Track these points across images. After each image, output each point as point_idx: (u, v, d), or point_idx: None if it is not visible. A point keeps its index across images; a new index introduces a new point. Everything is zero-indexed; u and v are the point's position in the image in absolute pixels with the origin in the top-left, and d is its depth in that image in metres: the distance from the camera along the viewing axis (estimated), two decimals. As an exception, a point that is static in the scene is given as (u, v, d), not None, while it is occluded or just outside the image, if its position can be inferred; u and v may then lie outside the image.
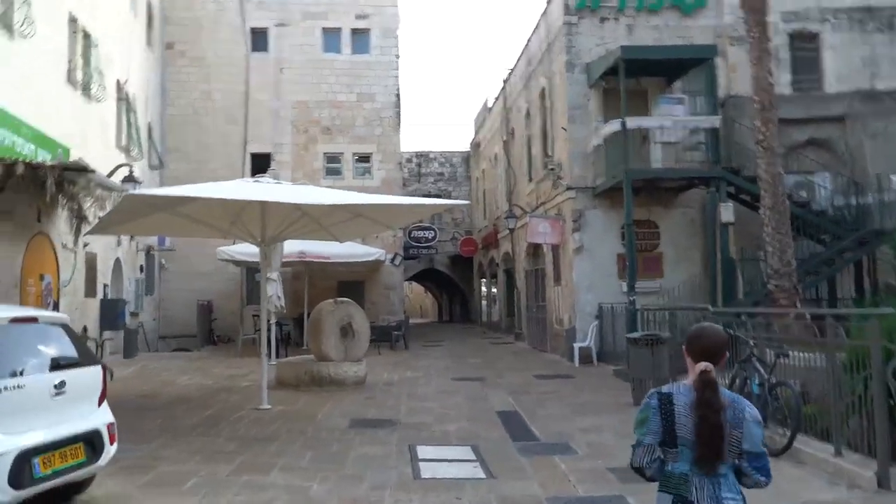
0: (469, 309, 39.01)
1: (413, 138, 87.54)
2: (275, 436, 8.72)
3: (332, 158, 24.15)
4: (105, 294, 15.68)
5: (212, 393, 12.22)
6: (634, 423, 3.07)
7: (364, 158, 24.34)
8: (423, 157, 39.34)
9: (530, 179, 21.30)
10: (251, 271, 23.49)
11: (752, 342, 8.83)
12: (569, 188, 16.97)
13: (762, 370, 8.37)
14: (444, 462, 7.70)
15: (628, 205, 14.77)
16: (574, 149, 17.01)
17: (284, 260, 18.93)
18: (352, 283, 23.65)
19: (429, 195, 38.11)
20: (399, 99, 24.62)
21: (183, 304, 22.38)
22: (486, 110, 31.39)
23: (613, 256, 16.83)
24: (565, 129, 17.14)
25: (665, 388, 3.06)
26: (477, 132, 33.74)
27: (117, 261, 17.31)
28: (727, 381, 9.29)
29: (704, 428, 2.86)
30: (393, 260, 23.83)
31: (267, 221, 10.87)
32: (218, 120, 23.54)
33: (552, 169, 17.51)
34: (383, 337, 21.04)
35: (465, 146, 38.94)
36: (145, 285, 20.65)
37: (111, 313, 14.99)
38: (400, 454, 7.89)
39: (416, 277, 44.84)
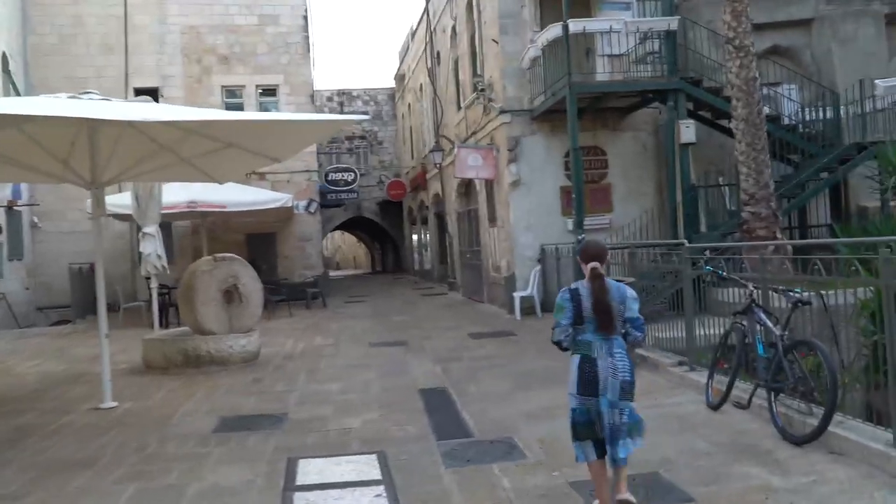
0: (402, 258, 36.53)
1: (335, 77, 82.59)
2: (97, 456, 6.07)
3: (232, 92, 20.94)
4: (-70, 262, 12.55)
5: (51, 385, 9.45)
6: (554, 310, 4.42)
7: (269, 91, 21.19)
8: (345, 96, 36.18)
9: (459, 108, 18.63)
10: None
11: (752, 286, 6.54)
12: (502, 111, 14.41)
13: (771, 325, 6.09)
14: (334, 489, 5.21)
15: (573, 125, 12.30)
16: (507, 65, 14.40)
17: (173, 211, 16.05)
18: (262, 235, 20.78)
19: (352, 136, 35.25)
20: (307, 22, 21.43)
21: (63, 269, 19.14)
22: (410, 38, 28.38)
23: (556, 190, 14.47)
24: (496, 42, 14.49)
25: (573, 286, 4.39)
26: (401, 63, 30.71)
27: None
28: (720, 339, 7.12)
29: (599, 306, 4.21)
30: (308, 207, 21.00)
31: (99, 154, 8.01)
32: (91, 49, 20.00)
33: (482, 90, 14.89)
34: (297, 295, 18.44)
35: (390, 82, 35.89)
36: (8, 248, 17.38)
37: (-66, 286, 11.92)
38: (270, 477, 5.38)
39: (345, 226, 42.05)
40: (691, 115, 13.16)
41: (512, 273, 14.41)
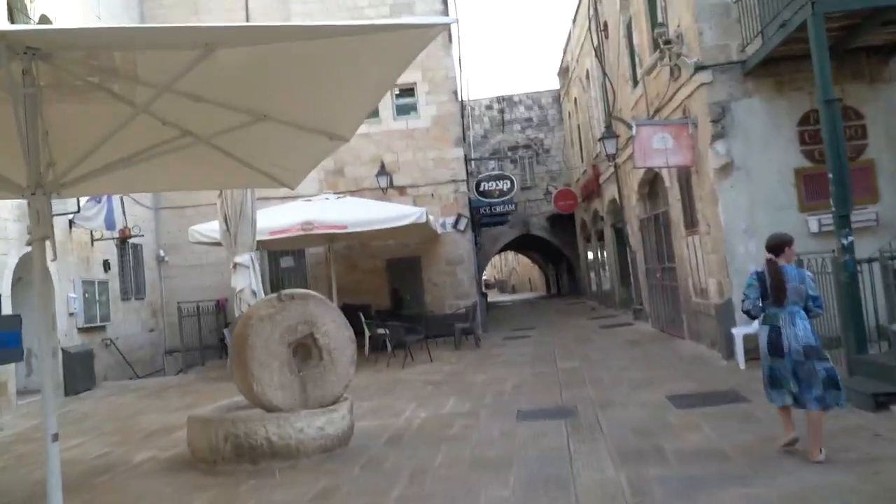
0: (577, 279, 32.30)
1: (497, 85, 78.88)
2: None
3: (364, 97, 18.05)
4: (-5, 308, 10.36)
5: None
6: (745, 287, 5.73)
7: (407, 91, 18.14)
8: (506, 102, 32.91)
9: (635, 83, 14.44)
10: (274, 256, 18.04)
11: None
12: (699, 68, 10.13)
13: None
14: None
15: (823, 65, 7.76)
16: (702, 2, 10.15)
17: (284, 235, 13.24)
18: (404, 260, 17.66)
19: (515, 146, 31.89)
20: (447, 6, 18.22)
21: (192, 308, 17.07)
22: (572, 25, 24.44)
23: (788, 173, 9.97)
24: (685, -27, 10.29)
25: (759, 269, 5.72)
26: (564, 55, 26.79)
27: (31, 256, 11.99)
28: None
29: (774, 283, 5.48)
30: (456, 224, 17.59)
31: (35, 135, 4.90)
32: (212, 63, 17.92)
33: (667, 42, 10.66)
34: (444, 331, 15.07)
35: (554, 84, 32.08)
36: (122, 287, 15.43)
37: (-16, 340, 9.64)
38: None
39: (515, 246, 38.58)
40: None
41: (727, 299, 10.02)
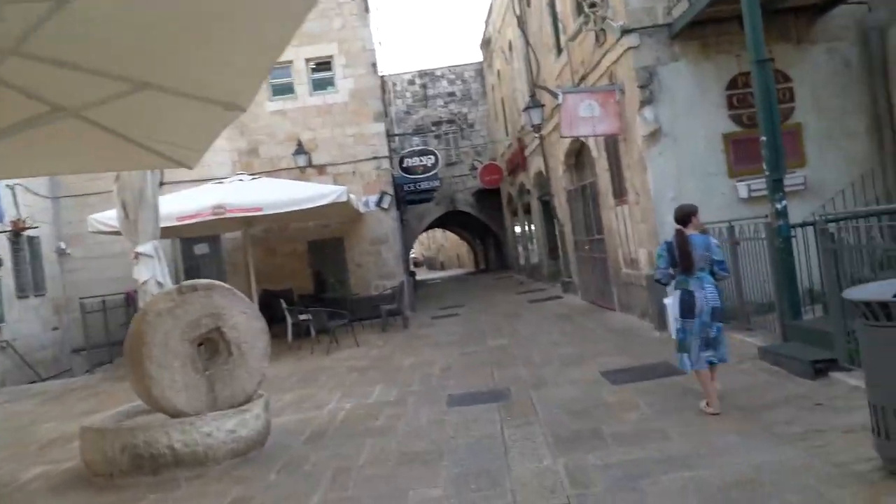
0: (505, 254, 32.15)
1: (418, 60, 78.10)
2: None
3: (278, 71, 17.17)
4: None
5: None
6: (655, 257, 6.21)
7: (323, 65, 17.31)
8: (427, 77, 32.21)
9: (559, 51, 14.05)
10: (187, 244, 17.05)
11: None
12: (625, 31, 9.77)
13: None
14: None
15: (755, 22, 7.46)
16: (626, -37, 9.77)
17: (194, 220, 12.35)
18: (326, 241, 16.94)
19: (439, 122, 31.30)
20: (357, -38, 17.38)
21: (98, 302, 15.94)
22: (492, -5, 23.94)
23: (716, 139, 9.77)
24: (606, -68, 9.89)
25: (668, 239, 5.97)
26: (486, 27, 26.29)
27: None
28: None
29: (682, 253, 5.80)
30: (380, 202, 16.96)
31: None
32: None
33: (592, 6, 10.25)
34: (370, 313, 14.52)
35: (477, 57, 31.55)
36: (18, 284, 14.24)
37: None
38: None
39: (442, 223, 38.14)
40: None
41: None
